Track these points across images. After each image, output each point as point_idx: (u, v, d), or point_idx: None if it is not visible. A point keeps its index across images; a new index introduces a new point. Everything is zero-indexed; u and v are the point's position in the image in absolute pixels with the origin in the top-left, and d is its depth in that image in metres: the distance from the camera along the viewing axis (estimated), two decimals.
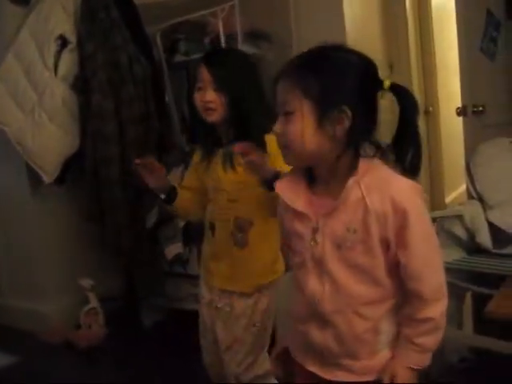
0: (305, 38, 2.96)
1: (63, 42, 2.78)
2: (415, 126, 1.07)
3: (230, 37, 2.82)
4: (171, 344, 2.86)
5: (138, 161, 1.69)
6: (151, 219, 2.83)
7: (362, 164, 1.06)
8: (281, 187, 1.14)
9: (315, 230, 1.09)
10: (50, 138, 2.79)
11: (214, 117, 1.67)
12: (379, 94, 1.07)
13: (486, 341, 2.09)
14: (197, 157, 1.83)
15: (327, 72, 1.03)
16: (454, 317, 2.33)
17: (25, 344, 2.98)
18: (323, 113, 1.02)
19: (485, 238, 2.30)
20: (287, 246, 1.23)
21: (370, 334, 1.12)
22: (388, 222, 1.03)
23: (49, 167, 2.84)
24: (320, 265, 1.10)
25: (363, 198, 1.03)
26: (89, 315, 3.02)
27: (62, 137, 2.81)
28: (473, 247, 2.35)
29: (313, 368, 1.18)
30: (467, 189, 2.56)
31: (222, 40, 2.80)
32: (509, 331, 1.84)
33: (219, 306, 1.80)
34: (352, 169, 1.06)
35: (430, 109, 4.42)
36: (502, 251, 2.26)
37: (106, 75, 2.76)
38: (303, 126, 1.02)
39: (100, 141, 2.77)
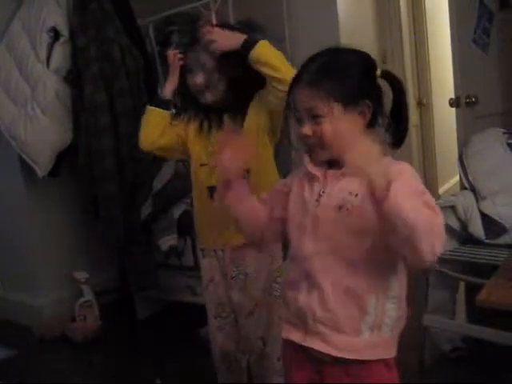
0: (298, 29, 2.96)
1: (55, 34, 2.77)
2: (405, 104, 1.23)
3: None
4: (166, 336, 2.87)
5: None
6: (145, 211, 2.83)
7: None
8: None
9: (321, 194, 1.20)
10: (43, 130, 2.78)
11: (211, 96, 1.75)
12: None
13: (478, 330, 2.11)
14: (193, 126, 1.86)
15: (345, 73, 1.17)
16: (447, 306, 2.35)
17: (20, 337, 2.98)
18: (351, 110, 1.16)
19: (477, 229, 2.31)
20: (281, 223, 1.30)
21: (355, 309, 1.15)
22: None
23: (42, 160, 2.84)
24: (318, 225, 1.19)
25: None
26: (83, 308, 3.02)
27: (55, 130, 2.80)
28: (466, 237, 2.36)
29: (295, 337, 1.22)
30: (460, 179, 2.57)
31: None
32: (501, 320, 1.86)
33: (233, 275, 1.83)
34: None
35: (424, 100, 4.44)
36: (495, 241, 2.28)
37: (98, 68, 2.75)
38: (338, 126, 1.15)
39: (93, 134, 2.76)
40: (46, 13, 2.77)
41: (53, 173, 2.90)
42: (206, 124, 1.81)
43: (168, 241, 2.77)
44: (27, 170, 2.91)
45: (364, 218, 1.11)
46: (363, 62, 1.21)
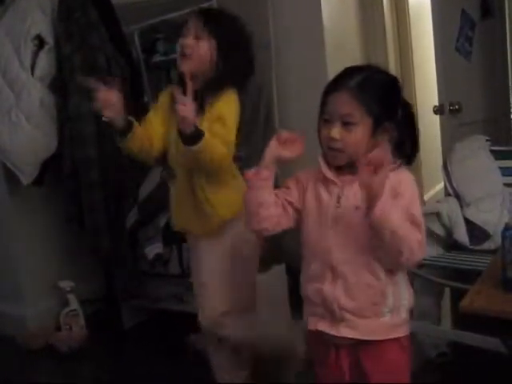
0: (283, 37, 2.98)
1: (40, 42, 2.76)
2: (416, 129, 1.42)
3: None
4: (153, 345, 2.85)
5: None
6: (131, 219, 2.82)
7: None
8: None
9: (340, 197, 1.34)
10: (28, 138, 2.76)
11: (189, 65, 1.78)
12: None
13: (463, 335, 2.12)
14: (164, 99, 1.91)
15: (384, 96, 1.31)
16: (433, 312, 2.36)
17: (4, 348, 2.95)
18: (378, 127, 1.30)
19: (462, 235, 2.34)
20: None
21: (377, 295, 1.31)
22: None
23: (27, 168, 2.82)
24: (338, 223, 1.33)
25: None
26: (69, 317, 3.00)
27: (40, 138, 2.78)
28: (450, 244, 2.38)
29: (321, 326, 1.35)
30: (444, 186, 2.59)
31: None
32: (486, 326, 1.87)
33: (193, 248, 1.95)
34: None
35: None
36: (479, 247, 2.30)
37: (83, 76, 2.74)
38: (363, 136, 1.29)
39: (78, 142, 2.75)
40: (30, 21, 2.75)
41: (37, 181, 2.88)
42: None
43: (154, 249, 2.76)
44: (11, 178, 2.88)
45: None
46: (399, 89, 1.35)
